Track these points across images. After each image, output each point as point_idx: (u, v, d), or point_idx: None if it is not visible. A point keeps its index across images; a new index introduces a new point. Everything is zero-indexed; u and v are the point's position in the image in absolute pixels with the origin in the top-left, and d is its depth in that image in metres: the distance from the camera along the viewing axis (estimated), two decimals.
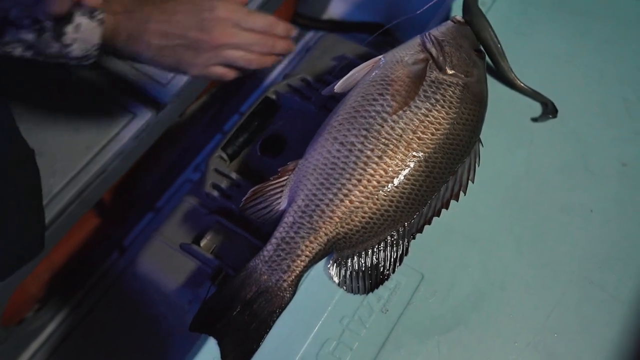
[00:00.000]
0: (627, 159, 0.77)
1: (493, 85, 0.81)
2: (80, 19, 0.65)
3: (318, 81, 0.92)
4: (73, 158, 1.06)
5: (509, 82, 0.82)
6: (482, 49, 0.79)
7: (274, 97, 0.91)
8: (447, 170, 0.70)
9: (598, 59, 0.85)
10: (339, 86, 0.74)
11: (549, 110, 0.79)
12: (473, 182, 0.70)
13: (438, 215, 0.70)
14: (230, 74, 0.75)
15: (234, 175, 0.83)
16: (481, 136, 0.74)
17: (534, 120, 0.80)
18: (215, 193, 0.83)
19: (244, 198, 0.70)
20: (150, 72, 1.16)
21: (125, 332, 1.15)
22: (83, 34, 0.66)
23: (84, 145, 1.07)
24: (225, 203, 0.83)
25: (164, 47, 0.70)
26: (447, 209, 0.70)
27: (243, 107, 1.39)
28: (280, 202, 0.70)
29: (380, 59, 0.75)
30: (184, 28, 0.70)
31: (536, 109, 0.81)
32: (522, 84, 0.81)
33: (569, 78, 0.84)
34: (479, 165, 0.71)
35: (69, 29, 0.65)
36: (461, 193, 0.70)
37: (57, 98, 1.11)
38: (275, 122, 0.90)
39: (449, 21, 0.79)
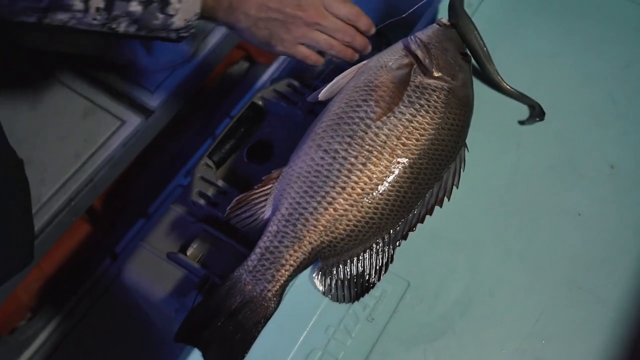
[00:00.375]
0: (615, 161, 0.77)
1: (480, 88, 0.80)
2: None
3: (305, 86, 0.92)
4: (62, 166, 1.06)
5: (495, 85, 0.81)
6: (468, 52, 0.78)
7: (260, 102, 0.91)
8: (432, 176, 0.69)
9: (585, 59, 0.84)
10: (323, 94, 0.74)
11: (536, 112, 0.79)
12: (457, 188, 0.70)
13: (422, 222, 0.69)
14: (312, 57, 0.79)
15: (220, 183, 0.83)
16: (468, 140, 0.73)
17: (521, 123, 0.79)
18: (202, 201, 0.82)
19: (228, 207, 0.69)
20: (139, 79, 1.16)
21: (116, 339, 1.15)
22: (185, 3, 0.68)
23: (72, 153, 1.07)
24: (211, 211, 0.82)
25: (260, 19, 0.74)
26: (430, 215, 0.69)
27: (234, 111, 1.39)
28: (264, 211, 0.69)
29: (364, 64, 0.75)
30: (282, 3, 0.74)
31: (523, 111, 0.81)
32: (508, 87, 0.80)
33: (556, 79, 0.83)
34: (464, 171, 0.71)
35: None
36: (445, 199, 0.70)
37: (45, 107, 1.11)
38: (262, 128, 0.90)
39: (434, 24, 0.78)
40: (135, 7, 0.66)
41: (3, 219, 0.83)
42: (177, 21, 0.69)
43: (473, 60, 0.80)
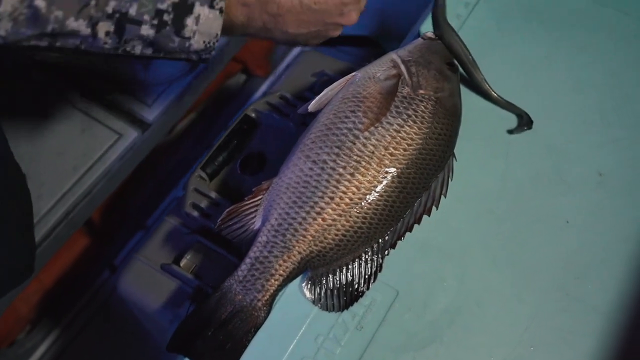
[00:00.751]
0: (604, 169, 0.77)
1: (469, 98, 0.81)
2: (200, 10, 0.62)
3: (297, 98, 0.93)
4: (59, 180, 1.07)
5: (483, 93, 0.82)
6: (454, 62, 0.79)
7: (253, 115, 0.92)
8: (421, 186, 0.70)
9: (572, 68, 0.85)
10: (312, 105, 0.75)
11: (524, 121, 0.79)
12: (445, 197, 0.71)
13: (410, 231, 0.70)
14: None
15: (213, 195, 0.84)
16: (457, 149, 0.74)
17: (510, 132, 0.80)
18: (195, 213, 0.83)
19: (219, 219, 0.70)
20: (136, 93, 1.17)
21: (115, 351, 1.16)
22: (203, 25, 0.63)
23: (70, 167, 1.08)
24: (205, 222, 0.83)
25: (300, 35, 0.72)
26: (419, 224, 0.70)
27: (231, 123, 1.40)
28: (254, 222, 0.70)
29: (353, 75, 0.76)
30: (325, 15, 0.71)
31: (512, 120, 0.81)
32: (497, 96, 0.81)
33: (545, 87, 0.84)
34: (452, 180, 0.72)
35: (189, 21, 0.62)
36: (434, 208, 0.70)
37: (44, 121, 1.13)
38: (255, 140, 0.91)
39: (419, 38, 0.79)
40: (147, 31, 0.62)
41: (7, 232, 0.84)
42: (195, 44, 0.65)
43: (462, 70, 0.81)
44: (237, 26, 0.69)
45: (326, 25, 0.72)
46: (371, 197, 0.68)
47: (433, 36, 0.79)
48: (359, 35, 1.49)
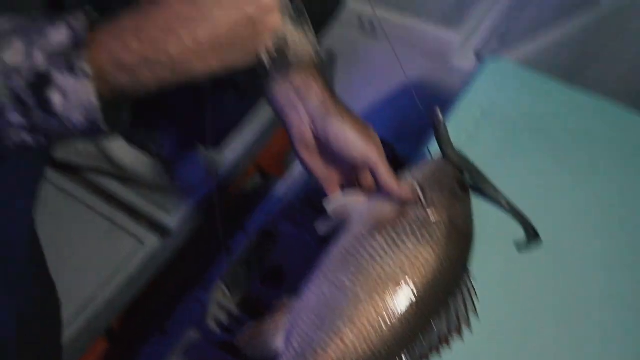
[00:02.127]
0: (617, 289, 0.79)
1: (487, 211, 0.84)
2: (60, 80, 0.50)
3: (311, 206, 0.96)
4: (81, 288, 1.10)
5: (499, 205, 0.84)
6: (465, 182, 0.82)
7: (271, 229, 0.95)
8: (438, 308, 0.72)
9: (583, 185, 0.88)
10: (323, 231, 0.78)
11: (531, 237, 0.82)
12: (472, 317, 0.72)
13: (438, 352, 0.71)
14: None
15: (234, 310, 0.86)
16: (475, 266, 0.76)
17: (519, 250, 0.82)
18: (217, 328, 0.85)
19: (240, 335, 0.72)
20: (156, 199, 1.22)
21: None
22: (72, 97, 0.50)
23: (92, 275, 1.12)
24: (227, 337, 0.85)
25: (219, 63, 0.55)
26: (448, 344, 0.71)
27: (248, 225, 1.43)
28: (275, 341, 0.72)
29: (366, 200, 0.79)
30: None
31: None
32: (513, 208, 0.84)
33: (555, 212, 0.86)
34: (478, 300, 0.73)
35: (54, 96, 0.50)
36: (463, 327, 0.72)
37: (64, 227, 1.17)
38: (275, 253, 0.94)
39: (428, 159, 0.83)
40: (12, 117, 0.50)
41: (38, 342, 0.85)
42: (75, 121, 0.51)
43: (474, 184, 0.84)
44: (129, 88, 0.53)
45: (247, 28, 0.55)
46: (389, 321, 0.69)
47: (441, 157, 0.83)
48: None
